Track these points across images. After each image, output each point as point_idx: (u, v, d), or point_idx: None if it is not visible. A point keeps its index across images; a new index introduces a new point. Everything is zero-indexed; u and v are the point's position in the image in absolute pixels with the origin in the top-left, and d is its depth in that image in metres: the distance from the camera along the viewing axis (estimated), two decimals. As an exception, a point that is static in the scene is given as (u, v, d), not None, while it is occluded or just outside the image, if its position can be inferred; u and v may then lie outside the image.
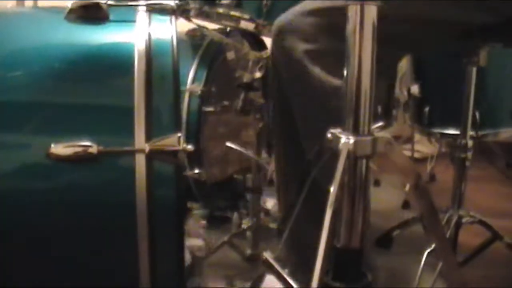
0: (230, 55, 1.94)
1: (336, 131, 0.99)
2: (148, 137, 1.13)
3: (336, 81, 1.31)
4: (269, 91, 1.59)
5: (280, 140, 1.61)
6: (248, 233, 2.11)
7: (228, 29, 2.17)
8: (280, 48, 1.44)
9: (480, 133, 2.13)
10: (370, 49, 0.95)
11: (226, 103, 2.34)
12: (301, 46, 1.37)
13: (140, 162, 1.12)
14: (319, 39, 1.36)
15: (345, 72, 0.97)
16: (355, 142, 0.95)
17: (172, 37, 1.22)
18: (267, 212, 2.30)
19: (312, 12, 1.38)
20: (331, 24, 1.32)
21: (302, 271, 1.57)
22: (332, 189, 0.96)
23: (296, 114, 1.45)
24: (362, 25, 0.94)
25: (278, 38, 1.44)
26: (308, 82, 1.36)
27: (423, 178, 1.09)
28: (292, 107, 1.46)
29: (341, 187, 0.97)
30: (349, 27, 0.95)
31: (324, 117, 1.06)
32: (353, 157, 0.96)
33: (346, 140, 0.96)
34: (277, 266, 1.21)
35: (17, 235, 1.15)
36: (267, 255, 1.22)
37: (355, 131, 0.97)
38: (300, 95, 1.43)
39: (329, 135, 1.00)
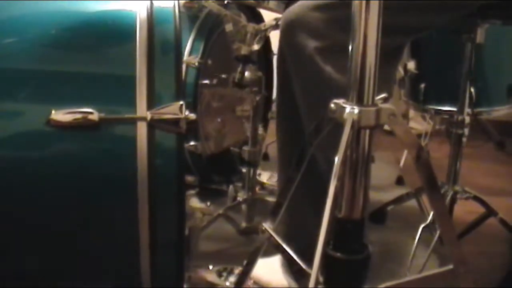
0: (229, 27, 1.92)
1: (340, 101, 0.99)
2: (150, 105, 1.12)
3: (346, 80, 1.30)
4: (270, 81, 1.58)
5: (283, 129, 1.61)
6: (243, 206, 2.12)
7: (226, 1, 2.15)
8: (289, 43, 1.42)
9: (475, 110, 2.13)
10: (376, 20, 0.94)
11: (223, 76, 2.33)
12: (312, 43, 1.36)
13: (142, 130, 1.11)
14: (330, 34, 1.35)
15: (350, 45, 0.97)
16: (360, 112, 0.95)
17: (174, 5, 1.20)
18: (262, 185, 2.30)
19: (321, 7, 1.37)
20: (341, 18, 1.31)
21: (299, 244, 1.59)
22: (336, 159, 0.95)
23: (302, 108, 1.45)
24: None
25: (287, 33, 1.42)
26: (319, 79, 1.35)
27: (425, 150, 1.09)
28: (298, 100, 1.46)
29: (344, 158, 0.97)
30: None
31: None
32: (357, 128, 0.97)
33: (350, 110, 0.95)
34: (276, 237, 1.21)
35: (16, 202, 1.14)
36: (266, 225, 1.22)
37: (359, 102, 0.97)
38: (308, 90, 1.42)
39: (332, 106, 1.00)
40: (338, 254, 1.01)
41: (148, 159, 1.11)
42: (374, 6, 0.93)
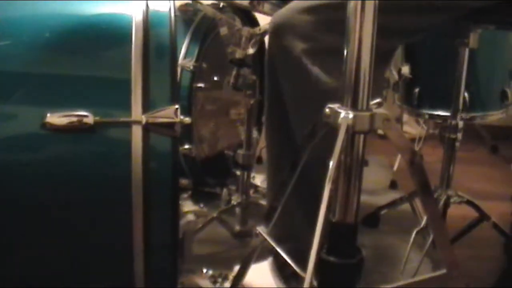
0: (223, 30, 1.93)
1: (335, 106, 0.99)
2: (145, 109, 1.12)
3: (333, 83, 1.30)
4: (264, 85, 1.58)
5: (273, 132, 1.61)
6: (237, 210, 2.12)
7: (222, 4, 2.16)
8: (278, 46, 1.43)
9: (469, 115, 2.14)
10: (371, 24, 0.94)
11: (217, 79, 2.34)
12: (299, 45, 1.36)
13: (137, 133, 1.11)
14: (318, 37, 1.35)
15: (345, 50, 0.97)
16: (354, 117, 0.95)
17: (170, 9, 1.21)
18: (256, 188, 2.30)
19: (310, 10, 1.37)
20: (329, 20, 1.32)
21: (290, 247, 1.59)
22: (331, 164, 0.96)
23: (291, 110, 1.45)
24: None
25: (276, 35, 1.43)
26: (306, 81, 1.36)
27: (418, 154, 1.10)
28: (286, 102, 1.46)
29: (338, 162, 0.98)
30: (351, 3, 0.95)
31: (318, 114, 1.06)
32: (351, 132, 0.97)
33: (345, 114, 0.96)
34: (270, 241, 1.21)
35: (11, 205, 1.14)
36: (261, 229, 1.23)
37: (354, 106, 0.97)
38: (296, 92, 1.42)
39: (327, 110, 1.00)
40: (332, 258, 1.01)
41: (142, 163, 1.12)
42: (369, 8, 0.94)
